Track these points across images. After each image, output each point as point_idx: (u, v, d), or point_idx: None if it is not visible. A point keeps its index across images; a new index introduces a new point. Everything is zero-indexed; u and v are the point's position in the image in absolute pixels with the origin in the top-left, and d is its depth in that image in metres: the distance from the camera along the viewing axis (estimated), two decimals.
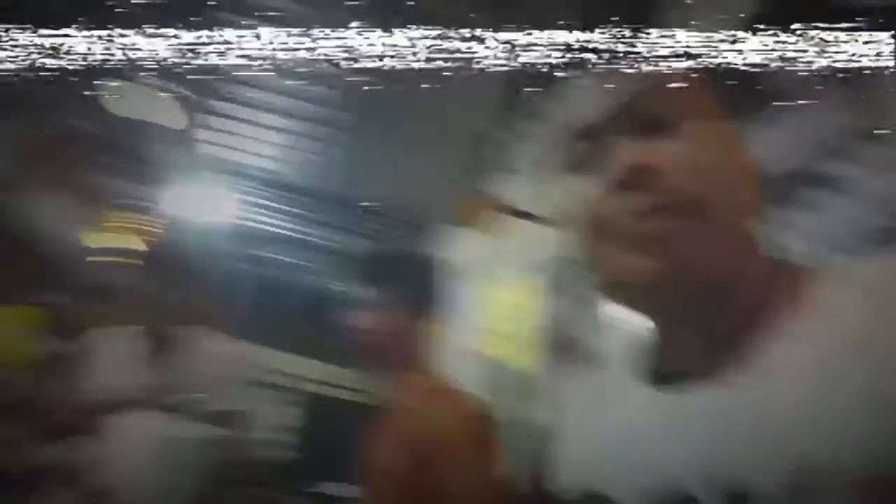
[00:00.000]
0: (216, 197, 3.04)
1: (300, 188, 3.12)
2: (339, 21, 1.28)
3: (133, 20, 1.17)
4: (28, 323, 2.73)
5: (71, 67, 1.03)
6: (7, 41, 0.97)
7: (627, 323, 0.54)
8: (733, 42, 0.82)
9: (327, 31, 1.28)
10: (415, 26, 1.28)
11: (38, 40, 1.03)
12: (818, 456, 0.36)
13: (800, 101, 1.06)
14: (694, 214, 0.41)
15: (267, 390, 3.83)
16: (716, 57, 0.60)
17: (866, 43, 0.85)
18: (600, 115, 0.46)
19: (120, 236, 3.66)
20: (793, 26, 0.82)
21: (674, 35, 0.54)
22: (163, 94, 2.18)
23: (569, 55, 0.52)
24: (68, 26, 1.04)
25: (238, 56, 1.44)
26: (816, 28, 0.83)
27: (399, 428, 1.08)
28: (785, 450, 0.37)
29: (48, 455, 1.08)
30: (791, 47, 0.99)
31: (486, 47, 1.52)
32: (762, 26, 0.97)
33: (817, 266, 0.47)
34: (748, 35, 0.97)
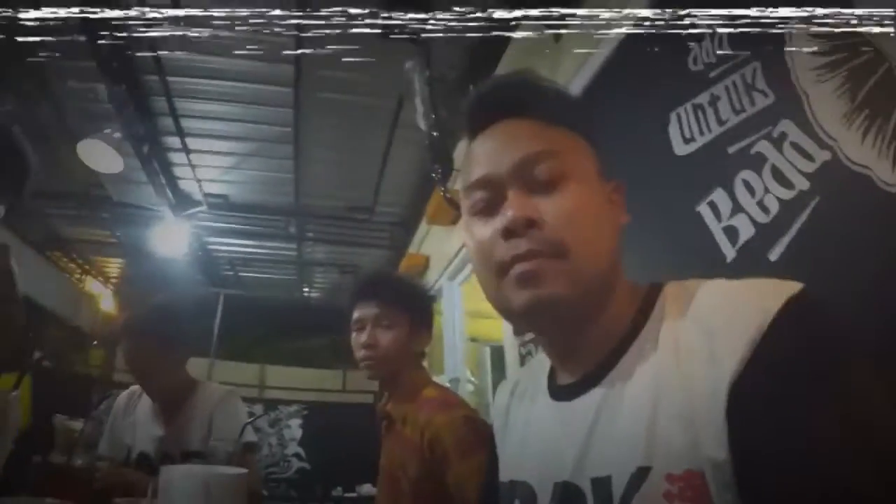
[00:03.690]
0: (176, 230, 3.05)
1: (259, 206, 3.16)
2: None
3: None
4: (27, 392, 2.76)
5: None
6: None
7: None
8: None
9: None
10: None
11: None
12: (653, 450, 0.47)
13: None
14: (558, 257, 0.52)
15: (268, 408, 3.94)
16: None
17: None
18: (499, 170, 0.56)
19: (92, 285, 3.71)
20: None
21: None
22: (100, 141, 2.22)
23: None
24: None
25: None
26: None
27: (406, 435, 1.18)
28: (633, 445, 0.48)
29: None
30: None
31: None
32: None
33: (669, 288, 0.56)
34: None
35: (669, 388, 0.48)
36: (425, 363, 1.35)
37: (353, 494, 3.22)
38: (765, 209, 1.12)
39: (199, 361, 3.83)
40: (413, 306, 1.28)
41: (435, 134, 2.19)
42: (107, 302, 3.71)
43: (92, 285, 3.70)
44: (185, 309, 1.67)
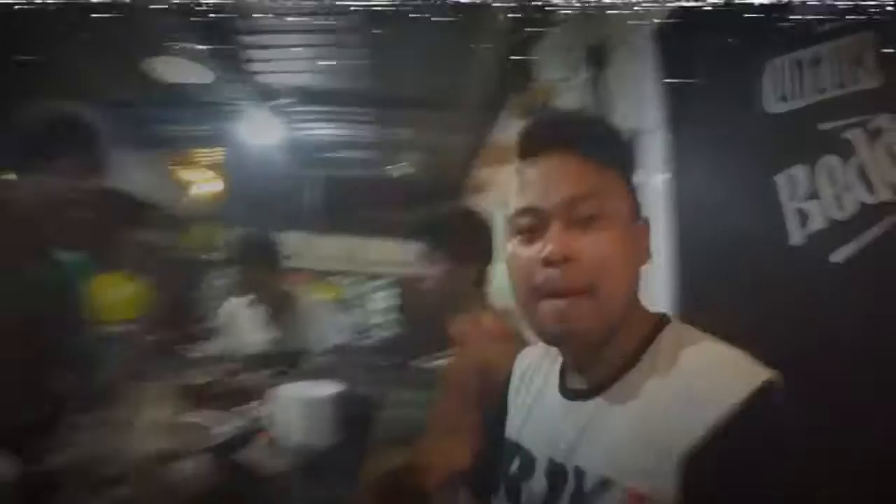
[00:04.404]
0: (264, 121, 3.21)
1: (339, 93, 3.20)
2: None
3: None
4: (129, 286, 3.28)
5: None
6: None
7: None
8: None
9: None
10: None
11: None
12: (624, 466, 0.57)
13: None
14: (588, 295, 0.60)
15: (357, 281, 4.39)
16: None
17: None
18: (546, 203, 0.63)
19: (197, 174, 4.11)
20: None
21: None
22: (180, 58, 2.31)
23: None
24: None
25: None
26: None
27: (468, 355, 1.35)
28: (611, 455, 0.59)
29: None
30: None
31: None
32: None
33: (669, 331, 0.65)
34: None
35: (649, 424, 0.58)
36: (486, 286, 1.46)
37: (430, 365, 3.69)
38: (841, 205, 1.06)
39: (296, 236, 4.28)
40: (452, 243, 1.38)
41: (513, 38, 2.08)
42: (204, 186, 4.14)
43: (189, 174, 4.09)
44: (277, 239, 1.91)
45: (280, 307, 1.88)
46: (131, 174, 3.61)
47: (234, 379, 1.65)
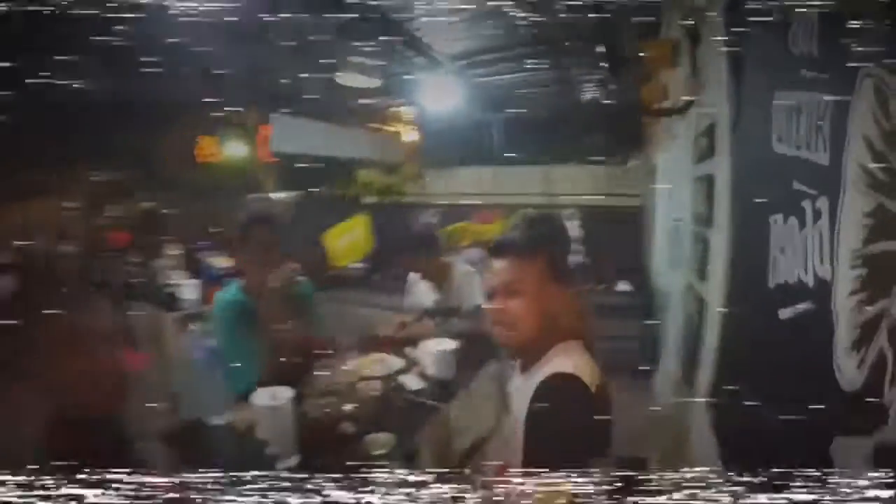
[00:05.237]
0: (446, 82, 3.79)
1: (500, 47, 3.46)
2: None
3: None
4: (364, 227, 4.26)
5: None
6: None
7: None
8: None
9: None
10: None
11: None
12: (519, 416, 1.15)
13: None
14: (510, 328, 1.20)
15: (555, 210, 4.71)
16: None
17: None
18: (497, 282, 1.22)
19: (400, 128, 4.95)
20: None
21: None
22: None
23: None
24: None
25: None
26: None
27: None
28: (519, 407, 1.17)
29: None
30: None
31: None
32: None
33: (560, 346, 1.18)
34: None
35: (525, 397, 1.13)
36: None
37: (617, 288, 4.04)
38: (791, 268, 1.09)
39: (485, 171, 4.86)
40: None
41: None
42: (406, 136, 5.03)
43: (393, 128, 4.99)
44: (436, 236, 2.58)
45: (440, 279, 2.57)
46: (347, 136, 4.66)
47: (405, 330, 2.46)
